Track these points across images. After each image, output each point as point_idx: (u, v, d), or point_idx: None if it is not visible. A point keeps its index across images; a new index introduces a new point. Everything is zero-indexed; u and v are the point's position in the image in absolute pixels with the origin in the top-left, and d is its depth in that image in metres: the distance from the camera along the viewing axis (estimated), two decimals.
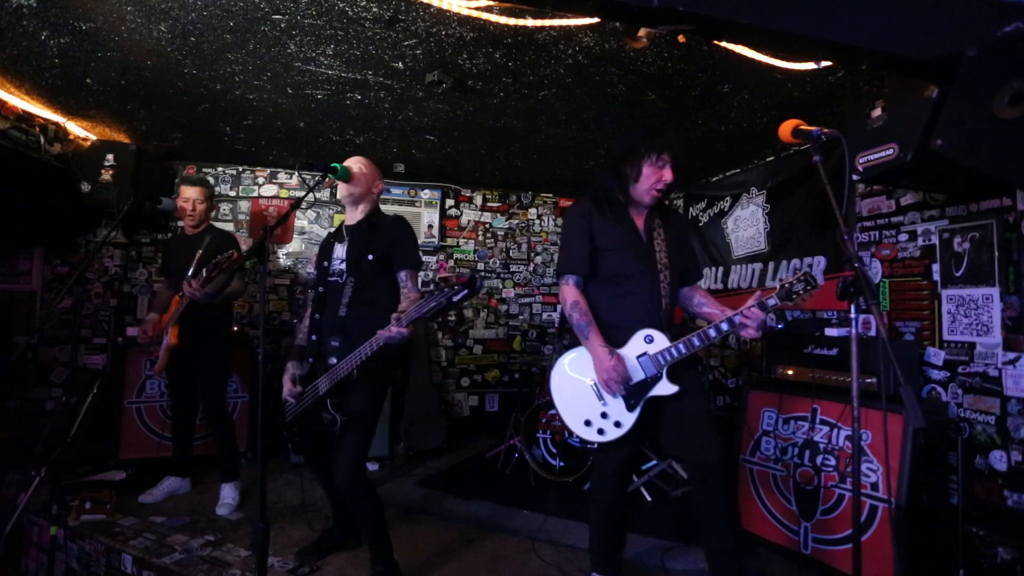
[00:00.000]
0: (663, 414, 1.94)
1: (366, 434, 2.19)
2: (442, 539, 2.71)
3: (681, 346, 1.85)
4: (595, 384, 1.94)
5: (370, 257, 2.18)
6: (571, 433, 1.97)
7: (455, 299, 1.77)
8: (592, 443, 1.95)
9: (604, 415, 1.93)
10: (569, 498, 3.26)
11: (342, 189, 2.25)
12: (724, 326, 1.83)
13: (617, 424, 1.91)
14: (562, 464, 3.48)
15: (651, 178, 1.93)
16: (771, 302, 1.76)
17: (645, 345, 1.90)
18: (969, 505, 2.37)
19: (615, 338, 1.93)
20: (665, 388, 1.88)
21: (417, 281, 2.25)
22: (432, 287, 1.81)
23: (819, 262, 3.35)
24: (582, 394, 1.96)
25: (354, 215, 2.30)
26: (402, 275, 2.21)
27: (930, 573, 2.23)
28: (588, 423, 1.94)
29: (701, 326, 1.88)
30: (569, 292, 2.00)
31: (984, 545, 2.31)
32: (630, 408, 1.90)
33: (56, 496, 2.35)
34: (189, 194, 3.06)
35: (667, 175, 1.93)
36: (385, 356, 2.07)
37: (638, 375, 1.90)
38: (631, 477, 2.22)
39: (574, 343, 2.03)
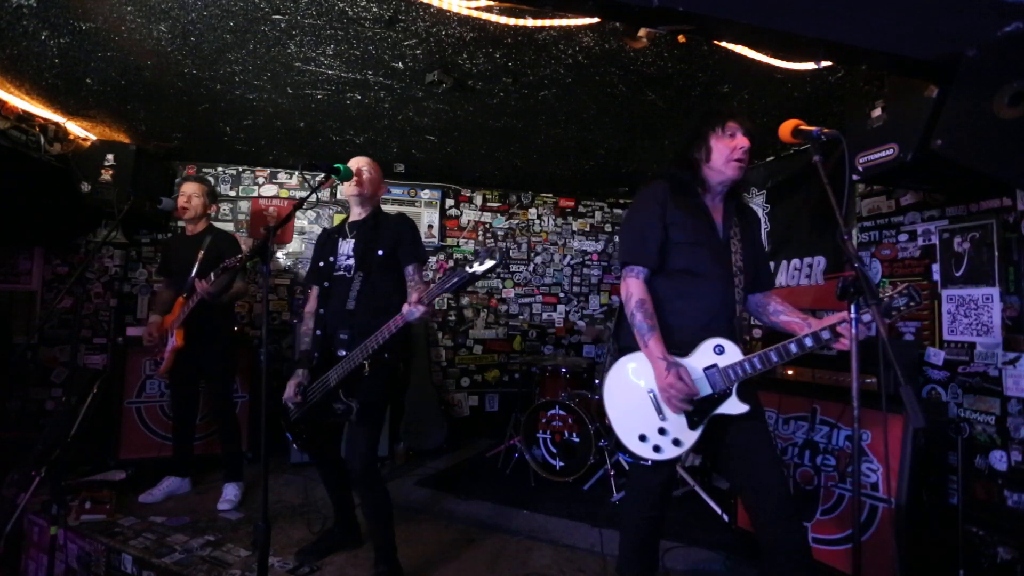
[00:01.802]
0: (726, 436, 1.73)
1: (377, 426, 2.24)
2: (442, 539, 2.71)
3: (756, 360, 1.63)
4: (654, 396, 1.73)
5: (379, 252, 2.24)
6: (623, 448, 1.77)
7: (478, 272, 1.80)
8: (645, 460, 1.75)
9: (662, 431, 1.71)
10: (569, 498, 3.27)
11: (351, 189, 2.27)
12: (809, 341, 1.59)
13: (676, 442, 1.70)
14: (562, 464, 3.48)
15: (724, 150, 1.74)
16: (866, 318, 1.53)
17: (715, 356, 1.68)
18: (969, 505, 2.37)
19: (679, 343, 1.71)
20: (734, 406, 1.67)
21: (423, 274, 2.32)
22: (454, 264, 1.85)
23: (819, 262, 3.35)
24: (639, 405, 1.75)
25: (359, 213, 2.36)
26: (409, 269, 2.28)
27: (930, 573, 2.23)
28: (643, 438, 1.73)
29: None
30: (635, 287, 1.75)
31: (984, 545, 2.31)
32: (692, 426, 1.69)
33: (56, 496, 2.35)
34: (186, 189, 3.10)
35: (741, 141, 1.73)
36: (395, 347, 2.14)
37: (704, 389, 1.68)
38: (670, 499, 2.00)
39: (628, 346, 1.81)
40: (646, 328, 1.70)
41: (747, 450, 1.71)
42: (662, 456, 1.71)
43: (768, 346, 1.65)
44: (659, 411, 1.72)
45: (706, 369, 1.69)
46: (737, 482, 1.84)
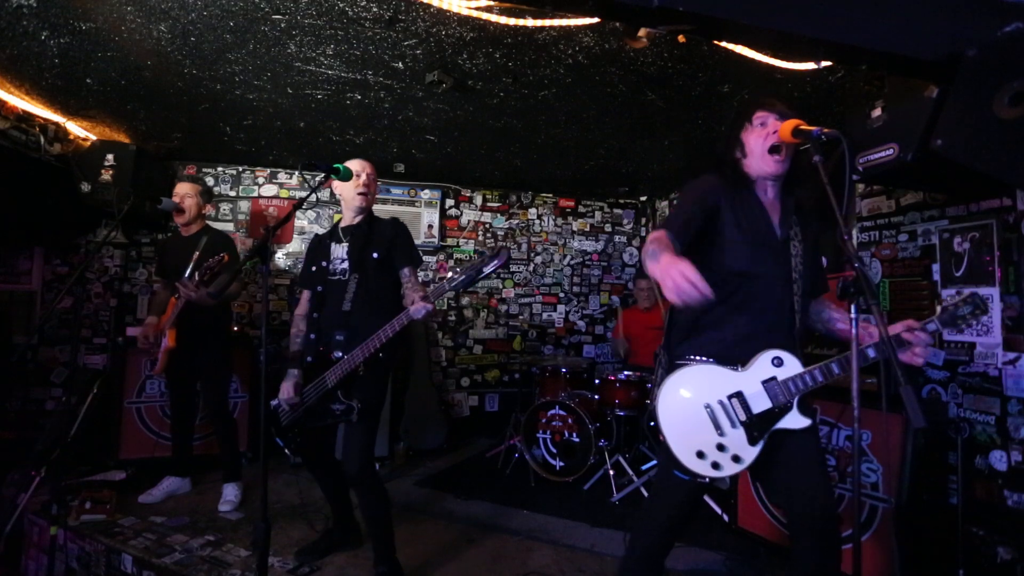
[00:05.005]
0: (779, 451, 1.64)
1: (374, 427, 2.24)
2: (442, 539, 2.71)
3: (818, 373, 1.56)
4: (711, 409, 1.64)
5: (375, 255, 2.26)
6: (680, 467, 1.68)
7: (485, 269, 1.83)
8: (705, 478, 1.65)
9: (721, 447, 1.62)
10: (569, 498, 3.27)
11: (356, 199, 2.30)
12: (872, 352, 1.51)
13: (736, 459, 1.61)
14: (562, 464, 3.48)
15: (758, 141, 1.63)
16: (931, 327, 1.50)
17: (773, 369, 1.60)
18: (969, 505, 2.37)
19: (738, 355, 1.62)
20: (795, 421, 1.58)
21: (418, 276, 2.34)
22: (455, 264, 1.88)
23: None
24: (696, 421, 1.65)
25: (353, 218, 2.37)
26: (405, 271, 2.30)
27: (930, 573, 2.23)
28: (701, 455, 1.64)
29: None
30: (654, 233, 1.59)
31: (984, 545, 2.31)
32: (752, 441, 1.60)
33: (56, 496, 2.35)
34: (180, 190, 3.07)
35: (774, 126, 1.61)
36: (390, 347, 2.15)
37: (763, 404, 1.60)
38: (684, 529, 1.87)
39: (679, 358, 1.71)
40: (656, 251, 1.46)
41: (794, 463, 1.63)
42: (721, 473, 1.62)
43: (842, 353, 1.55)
44: (717, 426, 1.63)
45: (764, 382, 1.60)
46: (777, 498, 1.76)
